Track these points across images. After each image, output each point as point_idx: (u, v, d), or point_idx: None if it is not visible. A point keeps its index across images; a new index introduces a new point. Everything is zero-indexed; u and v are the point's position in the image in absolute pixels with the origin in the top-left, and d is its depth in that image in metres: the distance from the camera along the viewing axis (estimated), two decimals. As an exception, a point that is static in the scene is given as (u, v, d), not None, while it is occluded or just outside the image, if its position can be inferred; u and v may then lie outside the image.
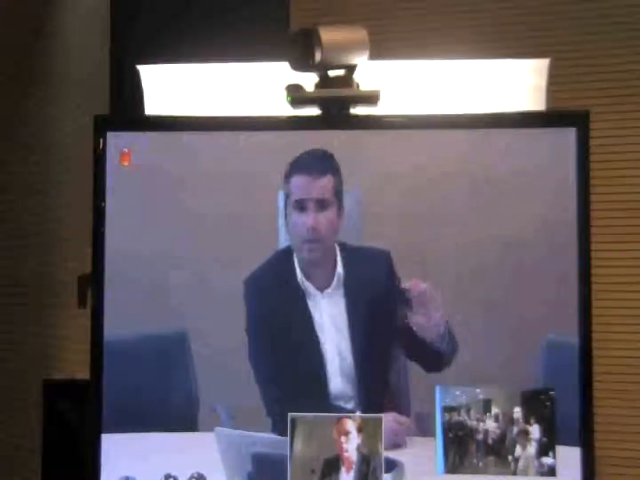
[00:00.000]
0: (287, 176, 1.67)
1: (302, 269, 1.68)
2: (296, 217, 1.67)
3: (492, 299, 1.65)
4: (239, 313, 1.67)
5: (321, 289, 1.69)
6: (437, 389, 1.63)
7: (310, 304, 1.68)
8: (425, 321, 1.64)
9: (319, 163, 1.68)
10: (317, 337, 1.67)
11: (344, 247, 1.68)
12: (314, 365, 1.67)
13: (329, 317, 1.68)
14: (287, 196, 1.68)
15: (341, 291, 1.68)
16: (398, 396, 1.66)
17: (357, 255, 1.68)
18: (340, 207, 1.67)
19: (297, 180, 1.67)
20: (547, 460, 1.60)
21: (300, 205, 1.67)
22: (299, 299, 1.68)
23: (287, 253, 1.69)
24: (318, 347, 1.67)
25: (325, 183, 1.67)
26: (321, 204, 1.66)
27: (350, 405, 1.65)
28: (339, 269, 1.68)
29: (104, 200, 1.70)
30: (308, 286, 1.68)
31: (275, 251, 1.69)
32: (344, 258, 1.68)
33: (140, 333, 1.71)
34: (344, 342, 1.67)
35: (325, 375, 1.66)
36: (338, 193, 1.67)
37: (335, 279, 1.68)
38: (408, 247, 1.67)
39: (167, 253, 1.70)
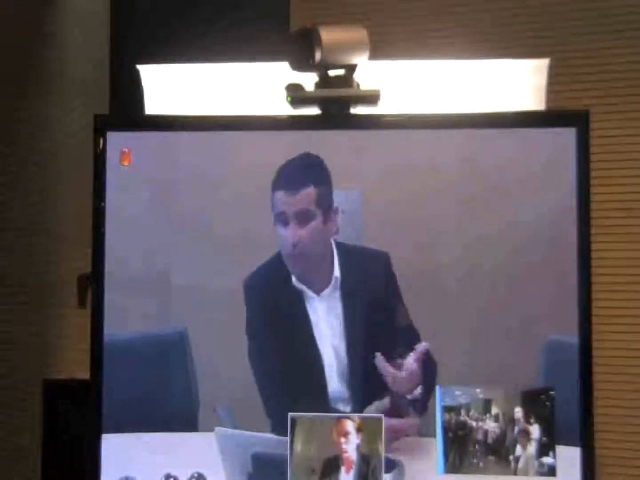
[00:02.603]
0: (272, 188, 1.67)
1: (295, 273, 1.68)
2: (280, 230, 1.67)
3: (492, 299, 1.65)
4: (238, 313, 1.67)
5: (317, 291, 1.68)
6: (437, 389, 1.63)
7: (307, 306, 1.68)
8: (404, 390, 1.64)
9: (300, 175, 1.67)
10: (314, 339, 1.67)
11: (341, 248, 1.68)
12: (312, 366, 1.66)
13: (326, 319, 1.68)
14: (272, 209, 1.67)
15: (338, 293, 1.68)
16: (397, 397, 1.66)
17: (355, 256, 1.67)
18: (327, 215, 1.66)
19: (277, 195, 1.67)
20: (547, 460, 1.60)
21: (282, 219, 1.66)
22: (296, 301, 1.68)
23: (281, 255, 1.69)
24: (316, 349, 1.67)
25: (305, 196, 1.65)
26: (302, 217, 1.65)
27: (348, 407, 1.65)
28: (336, 271, 1.68)
29: (104, 200, 1.70)
30: (304, 289, 1.68)
31: (274, 252, 1.69)
32: (341, 260, 1.68)
33: (140, 333, 1.71)
34: (341, 344, 1.67)
35: (324, 377, 1.66)
36: (322, 201, 1.65)
37: (332, 281, 1.68)
38: (408, 247, 1.67)
39: (167, 253, 1.70)
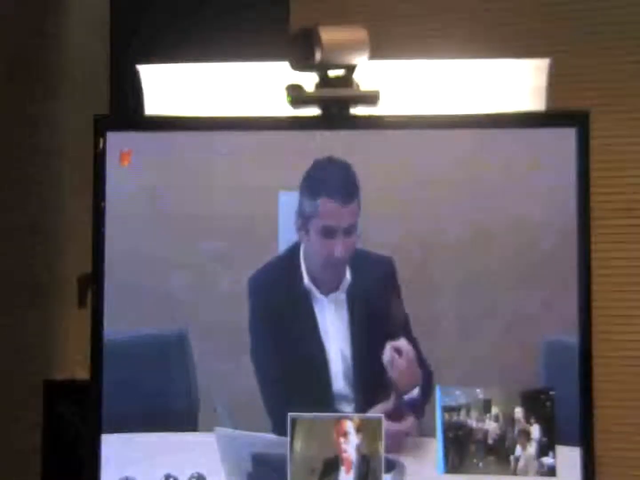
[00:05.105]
0: (312, 191, 1.65)
1: (309, 273, 1.68)
2: (320, 240, 1.65)
3: (493, 299, 1.65)
4: (239, 313, 1.67)
5: (326, 293, 1.68)
6: (437, 389, 1.63)
7: (314, 306, 1.68)
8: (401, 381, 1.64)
9: (347, 186, 1.65)
10: (320, 339, 1.67)
11: (354, 253, 1.68)
12: (316, 367, 1.66)
13: (333, 320, 1.68)
14: (308, 210, 1.65)
15: (345, 296, 1.67)
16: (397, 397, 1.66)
17: (364, 261, 1.67)
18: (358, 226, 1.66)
19: (326, 205, 1.65)
20: (547, 460, 1.60)
21: (329, 232, 1.65)
22: (304, 300, 1.68)
23: (294, 252, 1.68)
24: (321, 349, 1.67)
25: (353, 210, 1.65)
26: (348, 232, 1.65)
27: (351, 407, 1.65)
28: (347, 275, 1.68)
29: (104, 200, 1.70)
30: (313, 289, 1.68)
31: (278, 250, 1.69)
32: (352, 264, 1.67)
33: (140, 333, 1.71)
34: (346, 346, 1.67)
35: (328, 377, 1.66)
36: (360, 214, 1.66)
37: (342, 284, 1.68)
38: (408, 248, 1.67)
39: (167, 253, 1.70)
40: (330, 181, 1.67)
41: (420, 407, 1.63)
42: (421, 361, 1.64)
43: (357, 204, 1.66)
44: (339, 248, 1.65)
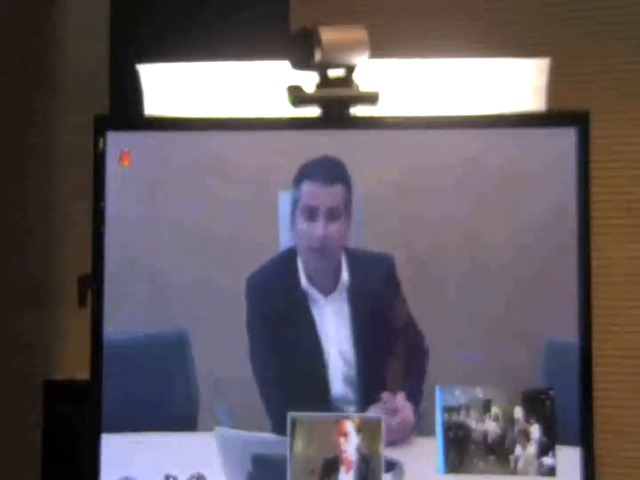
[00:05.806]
0: (297, 181, 1.66)
1: (306, 274, 1.68)
2: (305, 225, 1.66)
3: (493, 299, 1.65)
4: (239, 313, 1.67)
5: (325, 293, 1.68)
6: (437, 389, 1.63)
7: (313, 307, 1.68)
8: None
9: (331, 171, 1.66)
10: (319, 340, 1.67)
11: (349, 252, 1.68)
12: (316, 368, 1.66)
13: (333, 321, 1.67)
14: (295, 201, 1.66)
15: (345, 296, 1.67)
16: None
17: (362, 260, 1.67)
18: (348, 217, 1.66)
19: (308, 187, 1.66)
20: (547, 460, 1.60)
21: (310, 214, 1.65)
22: (302, 301, 1.67)
23: (291, 254, 1.68)
24: (320, 350, 1.67)
25: (337, 192, 1.65)
26: (332, 214, 1.65)
27: (351, 408, 1.65)
28: (344, 274, 1.67)
29: (103, 200, 1.70)
30: (312, 290, 1.68)
31: (278, 251, 1.69)
32: (348, 263, 1.67)
33: (140, 333, 1.71)
34: (347, 346, 1.67)
35: (327, 378, 1.66)
36: (347, 203, 1.66)
37: (340, 284, 1.68)
38: (408, 248, 1.67)
39: (167, 253, 1.70)
40: (314, 169, 1.67)
41: (416, 394, 1.63)
42: (417, 342, 1.64)
43: (345, 190, 1.65)
44: (320, 229, 1.64)
